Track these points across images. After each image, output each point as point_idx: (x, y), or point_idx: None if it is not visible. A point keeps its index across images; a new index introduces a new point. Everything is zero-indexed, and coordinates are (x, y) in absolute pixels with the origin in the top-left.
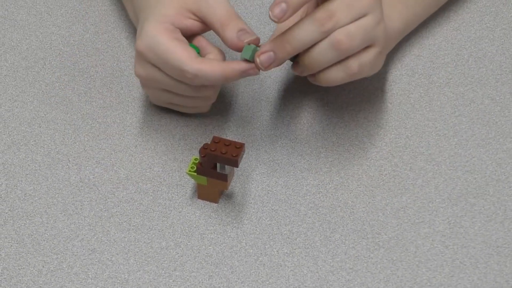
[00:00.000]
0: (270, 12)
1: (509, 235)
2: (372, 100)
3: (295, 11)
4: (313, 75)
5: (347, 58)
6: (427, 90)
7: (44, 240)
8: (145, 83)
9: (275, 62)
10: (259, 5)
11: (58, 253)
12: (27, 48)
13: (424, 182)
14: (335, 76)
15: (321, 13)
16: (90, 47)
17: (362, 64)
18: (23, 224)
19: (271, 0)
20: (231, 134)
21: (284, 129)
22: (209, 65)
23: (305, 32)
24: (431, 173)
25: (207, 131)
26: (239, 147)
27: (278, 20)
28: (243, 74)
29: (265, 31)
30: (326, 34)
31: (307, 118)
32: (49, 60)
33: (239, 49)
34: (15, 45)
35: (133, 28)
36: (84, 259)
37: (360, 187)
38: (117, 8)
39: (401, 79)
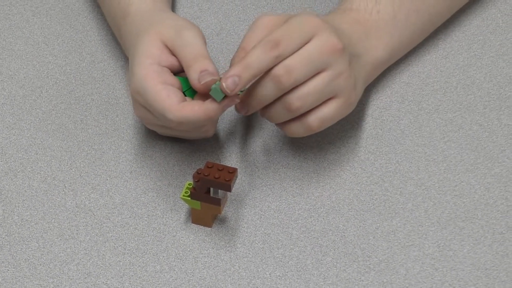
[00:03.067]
0: (223, 82)
1: (497, 258)
2: (362, 127)
3: (246, 84)
4: (280, 124)
5: (306, 113)
6: (416, 116)
7: (40, 265)
8: (143, 121)
9: (249, 113)
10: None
11: (54, 277)
12: (24, 77)
13: (414, 206)
14: (296, 131)
15: (280, 69)
16: (86, 76)
17: (323, 119)
18: (19, 249)
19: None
20: (224, 160)
21: (276, 155)
22: (190, 110)
23: (264, 89)
24: (420, 197)
25: (200, 157)
26: (232, 172)
27: (231, 92)
28: (225, 108)
29: None
30: (285, 90)
31: (299, 144)
32: (46, 89)
33: (201, 91)
34: (13, 74)
35: (127, 57)
36: (79, 283)
37: (351, 211)
38: (113, 38)
39: (391, 106)
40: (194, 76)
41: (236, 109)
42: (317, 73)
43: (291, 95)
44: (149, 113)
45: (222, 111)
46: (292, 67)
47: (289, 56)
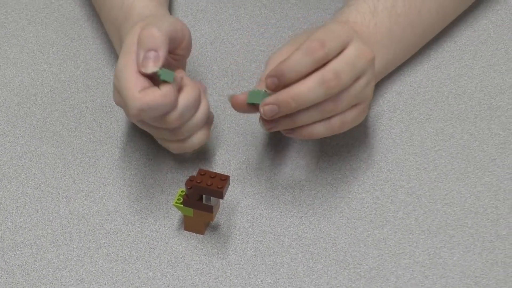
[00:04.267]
0: (261, 108)
1: (487, 266)
2: (354, 135)
3: (284, 87)
4: (291, 128)
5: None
6: (408, 125)
7: (33, 271)
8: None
9: (278, 115)
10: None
11: (48, 283)
12: (19, 85)
13: (405, 214)
14: (317, 130)
15: (329, 73)
16: (80, 84)
17: (345, 122)
18: (13, 255)
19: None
20: (216, 167)
21: (268, 163)
22: (151, 97)
23: (312, 94)
24: (411, 205)
25: (193, 164)
26: (224, 179)
27: (268, 118)
28: (178, 87)
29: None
30: (332, 94)
31: (291, 152)
32: (41, 96)
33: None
34: (8, 81)
35: None
36: None
37: (342, 219)
38: (107, 46)
39: (383, 115)
40: (140, 54)
41: (265, 114)
42: (356, 79)
43: (328, 98)
44: (122, 101)
45: (176, 92)
46: (340, 72)
47: (332, 60)
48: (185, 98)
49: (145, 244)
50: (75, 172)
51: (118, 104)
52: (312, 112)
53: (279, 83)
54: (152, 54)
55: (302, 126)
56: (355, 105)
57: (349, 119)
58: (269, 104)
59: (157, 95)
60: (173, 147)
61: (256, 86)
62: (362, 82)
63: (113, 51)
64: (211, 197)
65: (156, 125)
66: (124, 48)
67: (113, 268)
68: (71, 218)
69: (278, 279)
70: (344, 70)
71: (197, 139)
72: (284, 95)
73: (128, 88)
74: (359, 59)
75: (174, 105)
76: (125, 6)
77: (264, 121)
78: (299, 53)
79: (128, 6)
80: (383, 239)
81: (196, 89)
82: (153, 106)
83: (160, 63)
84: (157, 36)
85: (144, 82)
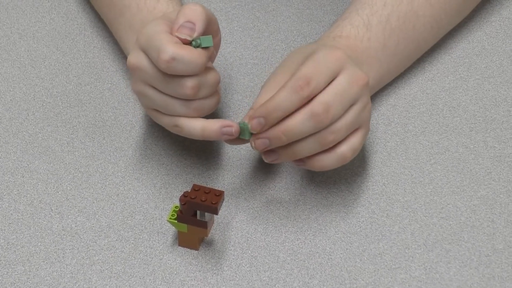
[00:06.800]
0: (249, 123)
1: (484, 280)
2: None
3: (272, 125)
4: (301, 160)
5: (338, 144)
6: (403, 138)
7: None
8: (134, 74)
9: (270, 147)
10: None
11: None
12: (11, 100)
13: (401, 228)
14: (328, 163)
15: (318, 106)
16: (73, 99)
17: (354, 149)
18: (5, 273)
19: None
20: (211, 183)
21: (263, 177)
22: (187, 51)
23: (302, 127)
24: (407, 219)
25: (187, 179)
26: (218, 195)
27: (256, 132)
28: (210, 55)
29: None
30: (322, 127)
31: (286, 166)
32: (33, 111)
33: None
34: None
35: (115, 79)
36: None
37: (337, 234)
38: (99, 61)
39: (378, 128)
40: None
41: (259, 149)
42: (349, 107)
43: (325, 129)
44: (144, 58)
45: (207, 60)
46: (329, 105)
47: (320, 92)
48: (211, 73)
49: (139, 260)
50: (68, 188)
51: (134, 65)
52: (309, 143)
53: (266, 123)
54: (189, 24)
55: (311, 158)
56: (357, 130)
57: (356, 144)
58: (260, 138)
59: (193, 51)
60: (167, 122)
61: (248, 113)
62: (357, 108)
63: (106, 65)
64: (206, 213)
65: (172, 88)
66: (154, 20)
67: (106, 285)
68: (64, 234)
69: None
70: (334, 102)
71: (193, 124)
72: (275, 129)
73: (164, 38)
74: (351, 87)
75: (201, 69)
76: (145, 10)
77: (265, 153)
78: (285, 91)
79: (151, 9)
80: (379, 254)
81: (219, 77)
82: (186, 59)
83: (195, 34)
84: (198, 9)
85: (177, 41)
